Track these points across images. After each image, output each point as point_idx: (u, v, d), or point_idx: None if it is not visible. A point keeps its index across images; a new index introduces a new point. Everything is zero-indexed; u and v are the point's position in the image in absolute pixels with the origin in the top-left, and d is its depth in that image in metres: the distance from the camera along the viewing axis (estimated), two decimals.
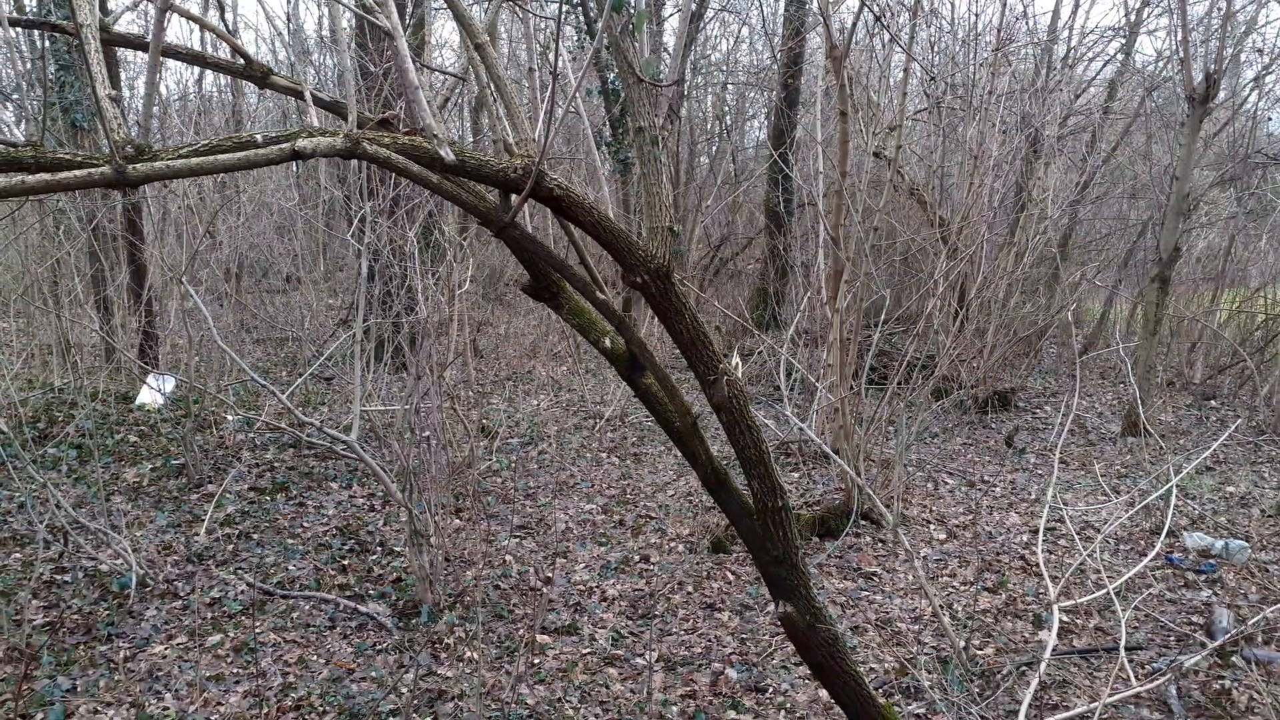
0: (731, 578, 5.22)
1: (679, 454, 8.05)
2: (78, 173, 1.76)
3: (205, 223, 6.44)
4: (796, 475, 7.10)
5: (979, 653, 4.31)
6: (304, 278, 11.80)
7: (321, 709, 3.74)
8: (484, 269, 13.21)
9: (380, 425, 6.10)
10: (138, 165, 1.79)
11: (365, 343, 6.76)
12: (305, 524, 5.75)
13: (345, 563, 5.24)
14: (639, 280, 2.40)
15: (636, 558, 5.53)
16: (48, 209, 7.58)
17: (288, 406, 4.57)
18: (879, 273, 9.23)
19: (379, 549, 5.47)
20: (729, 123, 16.85)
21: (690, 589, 5.06)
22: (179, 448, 6.59)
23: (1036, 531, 6.00)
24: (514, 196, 2.28)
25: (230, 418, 7.17)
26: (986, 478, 7.23)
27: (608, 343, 2.81)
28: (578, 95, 2.76)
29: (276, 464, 6.68)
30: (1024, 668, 4.19)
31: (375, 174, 8.02)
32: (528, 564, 5.40)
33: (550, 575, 5.27)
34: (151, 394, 7.63)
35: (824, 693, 3.95)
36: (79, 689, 3.77)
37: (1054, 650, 3.92)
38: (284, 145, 1.90)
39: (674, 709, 3.85)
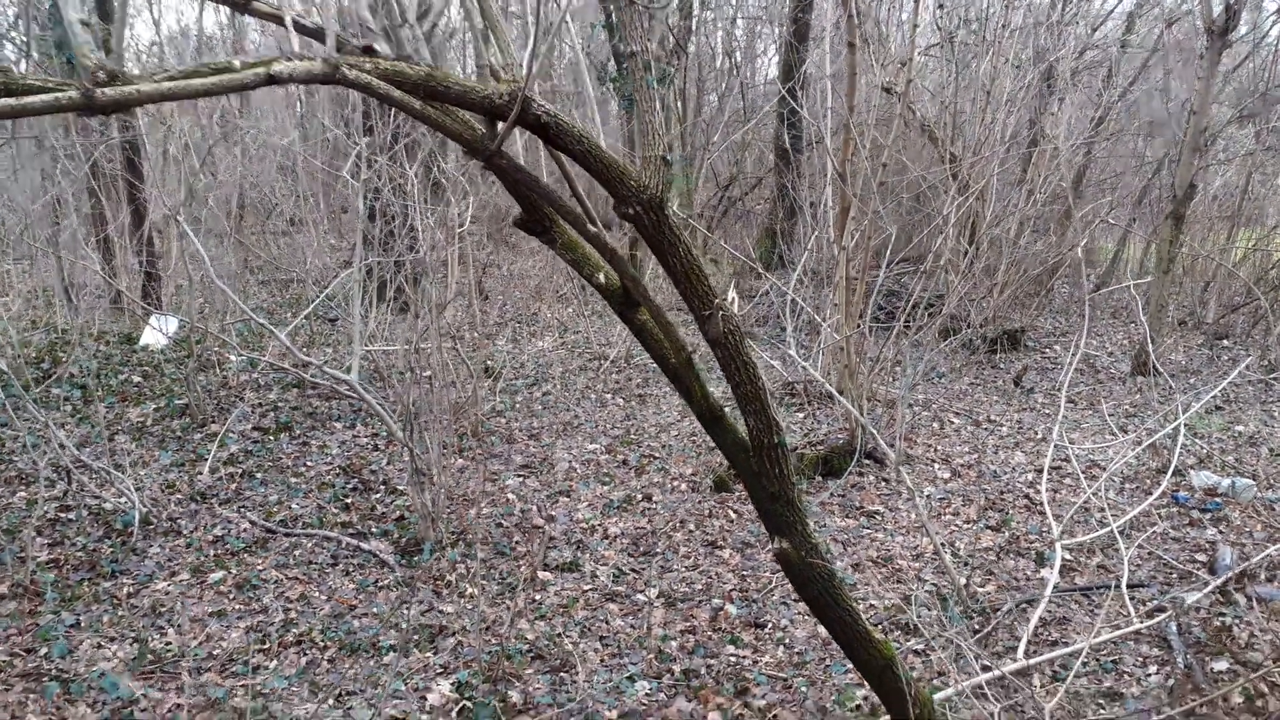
0: (734, 515, 5.23)
1: None
2: (44, 97, 1.69)
3: (201, 158, 6.34)
4: (801, 415, 7.08)
5: (979, 590, 4.32)
6: (306, 219, 11.72)
7: (322, 644, 3.77)
8: (488, 209, 13.07)
9: (382, 366, 6.09)
10: (107, 90, 1.73)
11: (366, 283, 6.71)
12: (308, 463, 5.76)
13: (348, 501, 5.26)
14: (631, 212, 2.33)
15: (639, 496, 5.53)
16: (45, 146, 7.49)
17: (288, 346, 4.54)
18: (887, 211, 9.10)
19: (382, 488, 5.49)
20: (738, 59, 16.51)
21: (692, 527, 5.07)
22: (182, 388, 6.60)
23: (1041, 470, 5.98)
24: (500, 124, 2.21)
25: (233, 358, 7.16)
26: (993, 417, 7.18)
27: (601, 278, 2.76)
28: (568, 18, 2.66)
29: (280, 404, 6.69)
30: (1024, 605, 4.19)
31: (374, 110, 7.88)
32: (530, 503, 5.41)
33: (552, 514, 5.28)
34: (154, 334, 7.62)
35: (823, 629, 3.97)
36: (82, 624, 3.81)
37: (1055, 587, 3.92)
38: (259, 70, 1.83)
39: (673, 643, 3.87)
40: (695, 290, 2.45)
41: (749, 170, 15.00)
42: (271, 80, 1.84)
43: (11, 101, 1.70)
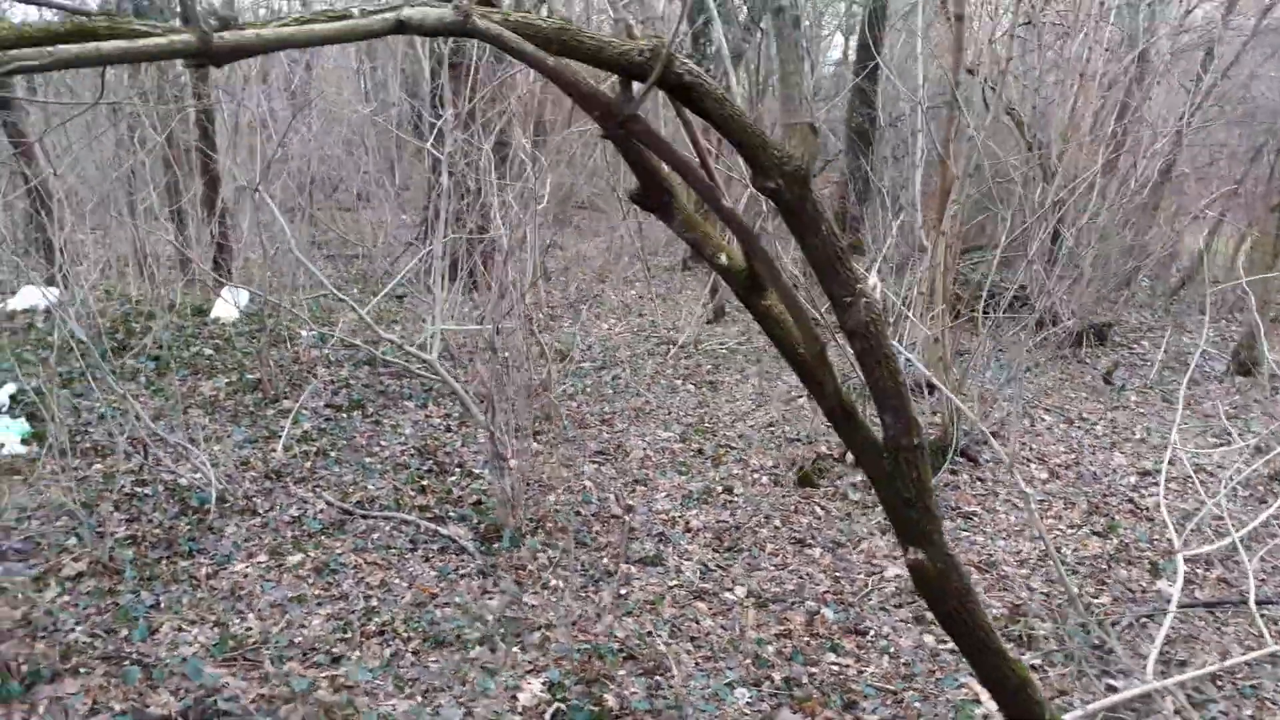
0: (821, 513, 5.00)
1: (755, 383, 7.83)
2: (158, 40, 1.52)
3: (282, 132, 6.24)
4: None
5: (1093, 601, 4.04)
6: (374, 194, 11.64)
7: (405, 634, 3.62)
8: (555, 189, 12.90)
9: (454, 345, 5.94)
10: (225, 34, 1.55)
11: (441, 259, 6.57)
12: (382, 443, 5.64)
13: (424, 483, 5.13)
14: (772, 185, 2.10)
15: (719, 489, 5.33)
16: (122, 114, 7.46)
17: (368, 323, 4.41)
18: (970, 198, 8.72)
19: (457, 470, 5.35)
20: (808, 38, 16.11)
21: (778, 523, 4.85)
22: (254, 362, 6.53)
23: (1145, 473, 5.66)
24: (636, 85, 2.00)
25: (304, 333, 7.08)
26: (1085, 415, 6.85)
27: (724, 259, 2.54)
28: None
29: (352, 381, 6.59)
30: (1143, 619, 3.91)
31: (447, 83, 7.71)
32: (607, 491, 5.23)
33: (631, 503, 5.10)
34: (226, 307, 7.57)
35: (929, 638, 3.74)
36: (162, 605, 3.71)
37: (1177, 602, 3.63)
38: (388, 16, 1.64)
39: (769, 648, 3.67)
40: (836, 274, 2.22)
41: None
42: (401, 27, 1.65)
43: (122, 44, 1.53)
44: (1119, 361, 8.34)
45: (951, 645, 3.62)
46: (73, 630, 3.48)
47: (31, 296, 7.13)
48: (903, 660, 3.58)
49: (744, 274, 2.51)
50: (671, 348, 8.61)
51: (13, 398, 5.66)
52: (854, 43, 14.91)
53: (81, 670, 3.22)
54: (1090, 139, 9.42)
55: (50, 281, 6.94)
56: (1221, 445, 5.98)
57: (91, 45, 1.51)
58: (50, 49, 1.49)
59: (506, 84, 8.61)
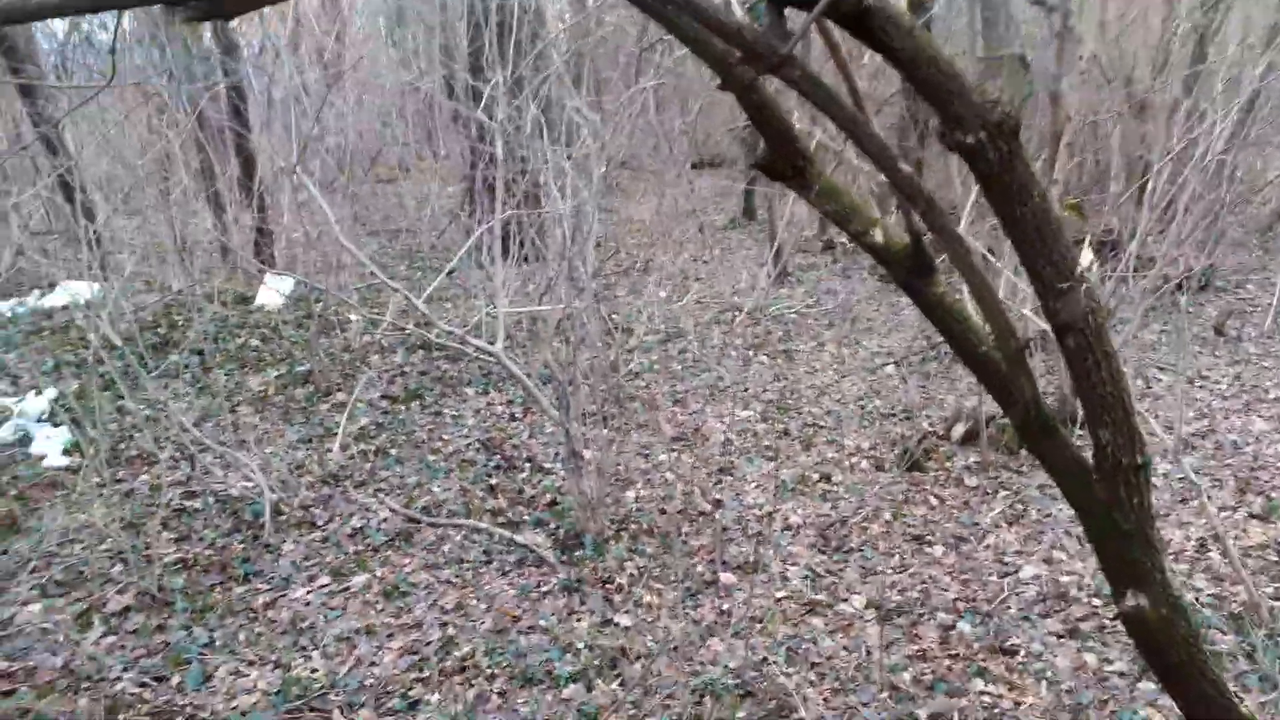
0: (935, 502, 4.48)
1: (834, 350, 7.29)
2: None
3: (319, 106, 5.77)
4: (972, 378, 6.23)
5: (1274, 603, 3.50)
6: (414, 166, 11.20)
7: (489, 670, 3.20)
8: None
9: (508, 324, 5.49)
10: None
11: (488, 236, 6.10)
12: (444, 436, 5.22)
13: (493, 483, 4.70)
14: (971, 141, 1.58)
15: (815, 476, 4.83)
16: (148, 93, 7.05)
17: (428, 317, 3.95)
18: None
19: (527, 465, 4.92)
20: None
21: (888, 516, 4.35)
22: (303, 352, 6.14)
23: None
24: (785, 14, 1.49)
25: (354, 319, 6.67)
26: (1204, 372, 6.21)
27: (877, 236, 2.02)
28: None
29: (406, 368, 6.17)
30: None
31: (492, 49, 7.18)
32: (691, 484, 4.77)
33: (719, 497, 4.63)
34: (271, 294, 7.19)
35: (1089, 657, 3.23)
36: (217, 643, 3.33)
37: None
38: None
39: (904, 674, 3.19)
40: (1048, 254, 1.69)
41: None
42: None
43: None
44: (1230, 309, 7.63)
45: (1119, 667, 3.12)
46: (120, 678, 3.12)
47: (69, 292, 6.80)
48: (1064, 687, 3.08)
49: (905, 254, 1.99)
50: (737, 314, 8.08)
51: (54, 403, 5.33)
52: None
53: None
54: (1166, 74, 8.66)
55: (87, 274, 6.61)
56: None
57: None
58: None
59: (551, 44, 8.07)
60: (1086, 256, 1.87)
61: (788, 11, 1.48)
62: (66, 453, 4.86)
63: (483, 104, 4.65)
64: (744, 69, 1.76)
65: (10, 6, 1.30)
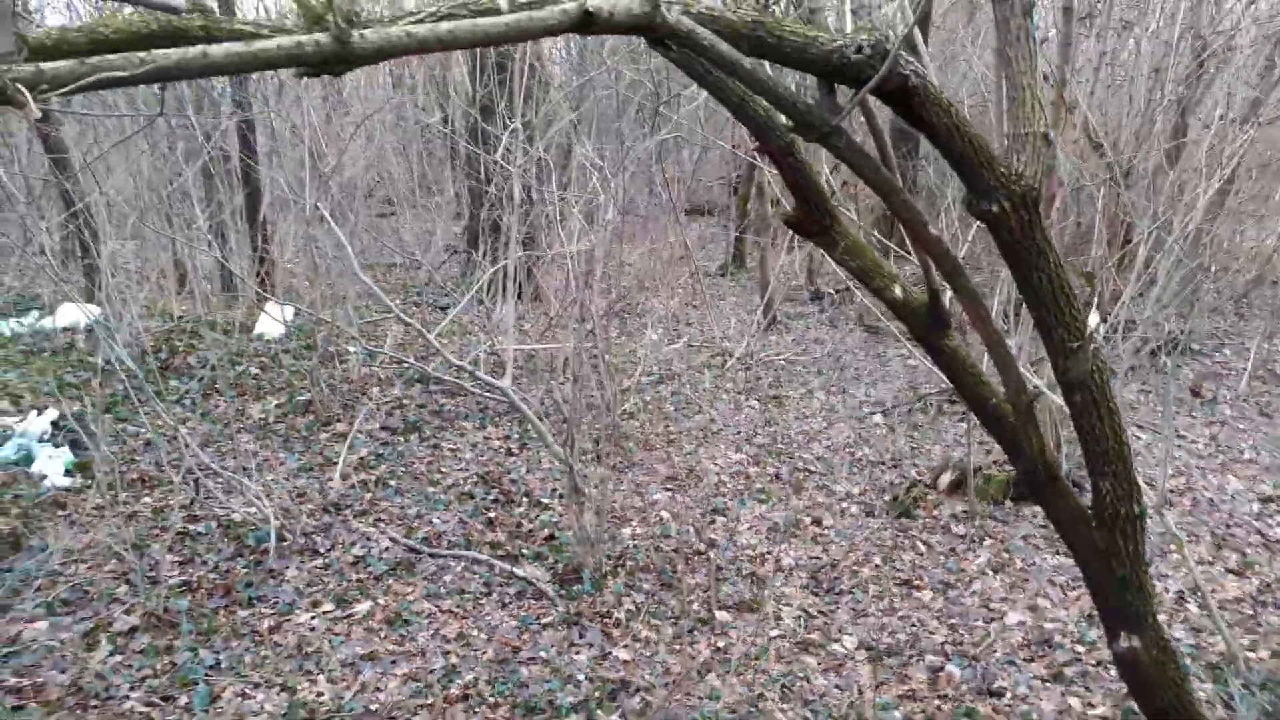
0: (924, 548, 4.61)
1: (822, 398, 7.44)
2: (283, 42, 1.16)
3: (328, 142, 5.91)
4: (965, 426, 6.39)
5: (1250, 656, 3.63)
6: (412, 201, 11.35)
7: (492, 699, 3.27)
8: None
9: (510, 360, 5.60)
10: (366, 33, 1.20)
11: (498, 276, 6.23)
12: (443, 469, 5.30)
13: (491, 516, 4.78)
14: (994, 209, 1.73)
15: (807, 520, 4.95)
16: (158, 127, 7.16)
17: (445, 355, 4.06)
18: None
19: (524, 500, 5.00)
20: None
21: (878, 561, 4.46)
22: (304, 382, 6.21)
23: (1267, 499, 5.24)
24: (838, 90, 1.64)
25: (353, 350, 6.76)
26: (1181, 431, 6.41)
27: (897, 291, 2.17)
28: None
29: (405, 401, 6.26)
30: None
31: (496, 92, 7.38)
32: (685, 523, 4.87)
33: (714, 538, 4.73)
34: (271, 323, 7.26)
35: (1074, 700, 3.35)
36: (222, 665, 3.38)
37: None
38: (570, 8, 1.28)
39: (895, 714, 3.29)
40: (1062, 315, 1.85)
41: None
42: (588, 21, 1.28)
43: (237, 47, 1.17)
44: (1206, 372, 7.87)
45: (1102, 711, 3.24)
46: (128, 697, 3.16)
47: (72, 314, 6.84)
48: None
49: (922, 311, 2.14)
50: (727, 359, 8.23)
51: (54, 424, 5.36)
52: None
53: None
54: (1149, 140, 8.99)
55: (90, 298, 6.67)
56: None
57: (196, 50, 1.15)
58: (141, 54, 1.14)
59: (562, 96, 8.29)
60: (1094, 319, 2.02)
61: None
62: (69, 473, 4.89)
63: (500, 149, 4.79)
64: (781, 134, 1.92)
65: (60, 70, 1.10)
